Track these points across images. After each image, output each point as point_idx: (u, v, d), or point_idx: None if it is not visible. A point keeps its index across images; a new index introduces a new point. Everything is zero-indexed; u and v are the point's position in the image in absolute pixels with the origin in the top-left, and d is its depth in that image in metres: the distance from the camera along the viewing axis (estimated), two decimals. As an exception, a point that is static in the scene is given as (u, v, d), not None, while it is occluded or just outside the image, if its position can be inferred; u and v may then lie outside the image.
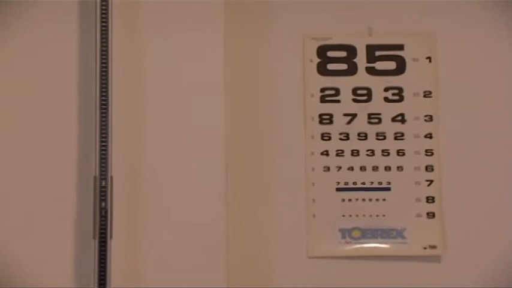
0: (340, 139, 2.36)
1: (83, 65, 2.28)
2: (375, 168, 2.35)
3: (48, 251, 2.21)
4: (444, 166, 2.36)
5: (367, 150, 2.36)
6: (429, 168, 2.34)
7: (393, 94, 2.37)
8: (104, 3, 2.25)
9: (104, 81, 2.21)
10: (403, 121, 2.35)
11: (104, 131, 2.17)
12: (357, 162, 2.36)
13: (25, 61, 2.32)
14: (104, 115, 2.17)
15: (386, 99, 2.37)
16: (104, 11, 2.24)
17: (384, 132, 2.36)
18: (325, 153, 2.36)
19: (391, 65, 2.38)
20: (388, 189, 2.36)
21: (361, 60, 2.39)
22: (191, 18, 2.32)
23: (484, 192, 2.39)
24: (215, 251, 2.24)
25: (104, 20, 2.24)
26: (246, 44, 2.42)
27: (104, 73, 2.21)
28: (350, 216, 2.36)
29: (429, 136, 2.35)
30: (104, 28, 2.24)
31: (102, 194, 2.14)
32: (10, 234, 2.21)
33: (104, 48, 2.25)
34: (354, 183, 2.36)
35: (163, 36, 2.34)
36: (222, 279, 2.21)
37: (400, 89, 2.37)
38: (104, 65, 2.23)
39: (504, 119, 2.43)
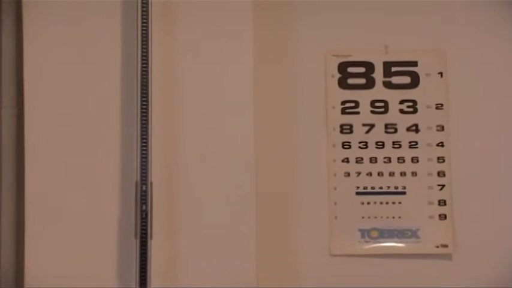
0: (360, 147, 2.45)
1: (124, 73, 2.35)
2: (391, 174, 2.44)
3: (93, 250, 2.28)
4: (455, 172, 2.45)
5: (384, 158, 2.45)
6: (441, 173, 2.43)
7: (408, 106, 2.46)
8: (144, 3, 2.32)
9: (144, 102, 2.27)
10: (416, 131, 2.44)
11: (144, 142, 2.26)
12: (374, 168, 2.45)
13: (70, 66, 2.40)
14: (144, 128, 2.26)
15: (401, 111, 2.45)
16: (144, 13, 2.31)
17: (400, 141, 2.44)
18: (346, 160, 2.45)
19: (406, 80, 2.47)
20: (404, 193, 2.45)
21: (378, 75, 2.47)
22: (222, 30, 2.39)
23: (492, 196, 2.48)
24: (245, 251, 2.32)
25: (144, 22, 2.30)
26: (274, 59, 2.50)
27: (144, 87, 2.27)
28: (369, 217, 2.46)
29: (441, 145, 2.45)
30: (144, 30, 2.30)
31: (143, 197, 2.23)
32: (59, 234, 2.29)
33: (144, 57, 2.30)
34: (372, 187, 2.45)
35: (197, 42, 2.40)
36: (252, 277, 2.30)
37: (414, 102, 2.46)
38: (144, 72, 2.30)
39: (509, 128, 2.52)
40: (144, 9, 2.29)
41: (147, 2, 2.29)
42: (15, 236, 2.52)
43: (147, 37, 2.30)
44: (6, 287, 2.55)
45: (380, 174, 2.45)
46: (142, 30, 2.30)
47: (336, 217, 2.45)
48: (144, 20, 2.31)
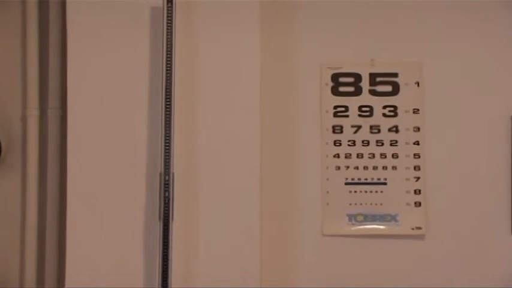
0: (348, 145, 2.67)
1: (152, 78, 2.52)
2: (375, 168, 2.66)
3: (124, 230, 2.49)
4: (428, 166, 2.67)
5: (369, 154, 2.66)
6: (417, 167, 2.65)
7: (389, 111, 2.67)
8: (169, 8, 2.45)
9: (168, 103, 2.43)
10: (397, 131, 2.66)
11: (167, 140, 2.44)
12: (361, 163, 2.66)
13: (106, 71, 2.55)
14: (167, 128, 2.43)
15: (384, 115, 2.67)
16: (169, 17, 2.45)
17: (382, 140, 2.66)
18: (337, 156, 2.66)
19: (388, 88, 2.69)
20: (385, 183, 2.66)
21: (365, 84, 2.69)
22: (229, 38, 2.56)
23: (460, 186, 2.70)
24: (251, 232, 2.52)
25: (169, 25, 2.45)
26: (277, 70, 2.69)
27: (168, 91, 2.44)
28: (355, 204, 2.67)
29: (417, 143, 2.66)
30: (168, 39, 2.45)
31: (166, 186, 2.41)
32: (97, 217, 2.50)
33: (168, 64, 2.44)
34: (359, 179, 2.67)
35: (211, 54, 2.56)
36: (256, 253, 2.51)
37: (395, 107, 2.67)
38: (168, 75, 2.45)
39: (474, 129, 2.72)
40: (169, 18, 2.45)
41: (172, 10, 2.42)
42: (58, 220, 2.70)
43: (171, 46, 2.44)
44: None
45: (365, 167, 2.66)
46: (167, 39, 2.44)
47: (327, 203, 2.66)
48: (169, 27, 2.44)
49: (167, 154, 2.42)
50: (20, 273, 2.72)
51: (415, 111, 2.67)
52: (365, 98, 2.70)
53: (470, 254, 2.72)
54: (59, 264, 2.70)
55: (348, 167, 2.67)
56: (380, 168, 2.66)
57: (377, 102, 2.70)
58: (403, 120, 2.69)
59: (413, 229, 2.66)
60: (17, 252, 2.75)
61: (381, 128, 2.68)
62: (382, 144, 2.68)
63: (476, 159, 2.72)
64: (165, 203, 2.41)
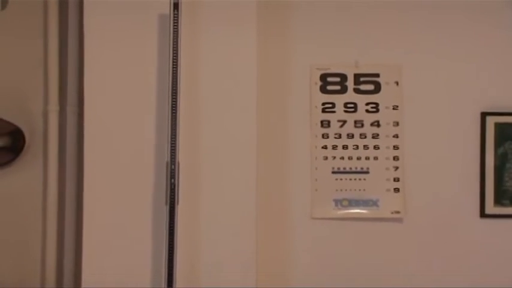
0: (335, 137, 2.77)
1: (159, 78, 2.58)
2: (359, 158, 2.77)
3: (133, 213, 2.58)
4: (406, 157, 2.79)
5: (353, 145, 2.77)
6: (396, 158, 2.77)
7: (372, 107, 2.78)
8: (175, 15, 2.51)
9: (174, 100, 2.50)
10: (378, 126, 2.77)
11: (173, 133, 2.51)
12: (346, 153, 2.77)
13: (119, 71, 2.61)
14: (173, 123, 2.50)
15: (367, 111, 2.78)
16: (175, 23, 2.51)
17: (365, 133, 2.76)
18: (325, 147, 2.77)
19: (371, 87, 2.78)
20: (367, 172, 2.77)
21: (350, 83, 2.78)
22: (229, 39, 2.63)
23: (434, 175, 2.81)
24: (247, 214, 2.61)
25: (175, 27, 2.50)
26: (272, 70, 2.77)
27: (174, 89, 2.50)
28: (341, 190, 2.77)
29: (396, 136, 2.78)
30: (174, 45, 2.50)
31: (172, 173, 2.49)
32: (108, 201, 2.59)
33: (174, 64, 2.49)
34: (344, 168, 2.77)
35: (213, 55, 2.62)
36: (252, 234, 2.62)
37: (377, 104, 2.77)
38: (174, 74, 2.49)
39: (448, 123, 2.83)
40: (175, 24, 2.51)
41: (178, 16, 2.50)
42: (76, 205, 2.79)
43: (176, 48, 2.51)
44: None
45: (350, 158, 2.77)
46: (173, 42, 2.50)
47: (316, 190, 2.78)
48: (175, 31, 2.50)
49: (173, 145, 2.50)
50: (41, 251, 2.82)
51: (395, 107, 2.78)
52: (350, 96, 2.79)
53: (444, 235, 2.83)
54: (76, 239, 2.78)
55: (334, 157, 2.78)
56: (363, 158, 2.77)
57: (360, 100, 2.79)
58: (384, 115, 2.78)
59: (392, 213, 2.77)
60: (40, 226, 2.84)
61: (364, 122, 2.78)
62: (365, 137, 2.78)
63: (449, 150, 2.83)
64: (171, 189, 2.49)
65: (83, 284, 2.57)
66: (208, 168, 2.63)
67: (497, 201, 2.82)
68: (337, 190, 2.80)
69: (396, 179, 2.79)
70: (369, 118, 2.81)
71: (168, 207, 2.49)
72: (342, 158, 2.79)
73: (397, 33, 2.83)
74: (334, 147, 2.79)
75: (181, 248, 2.50)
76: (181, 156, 2.52)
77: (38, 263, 2.82)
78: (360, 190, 2.80)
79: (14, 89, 2.83)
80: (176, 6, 2.50)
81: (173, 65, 2.51)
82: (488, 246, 2.82)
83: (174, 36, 2.50)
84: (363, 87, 2.81)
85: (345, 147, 2.79)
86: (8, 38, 2.83)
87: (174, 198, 2.49)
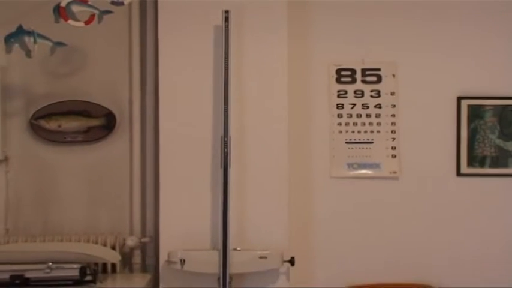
0: (347, 117, 3.20)
1: (215, 77, 2.90)
2: (365, 132, 3.19)
3: (197, 175, 2.95)
4: (401, 131, 3.20)
5: (361, 123, 3.20)
6: (393, 132, 3.20)
7: (375, 93, 3.20)
8: (226, 26, 2.83)
9: (225, 89, 2.85)
10: (380, 107, 3.19)
11: (226, 114, 2.85)
12: (356, 128, 3.20)
13: (187, 71, 2.94)
14: (226, 104, 2.82)
15: (371, 96, 3.19)
16: (226, 32, 2.84)
17: (370, 113, 3.19)
18: (339, 124, 3.21)
19: (374, 79, 3.20)
20: (372, 142, 3.20)
21: (358, 76, 3.19)
22: (264, 41, 2.93)
23: (422, 144, 3.21)
24: (281, 176, 2.95)
25: (226, 32, 2.81)
26: (298, 64, 3.13)
27: (226, 86, 2.86)
28: (352, 156, 3.20)
29: (393, 115, 3.21)
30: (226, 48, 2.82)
31: (225, 144, 2.84)
32: (179, 167, 2.89)
33: (226, 64, 2.80)
34: (354, 139, 3.19)
35: (250, 54, 2.92)
36: (285, 187, 2.96)
37: (379, 91, 3.20)
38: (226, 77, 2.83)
39: (433, 105, 3.19)
40: (226, 32, 2.83)
41: (227, 26, 2.81)
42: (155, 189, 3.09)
43: (227, 52, 2.85)
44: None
45: (359, 132, 3.19)
46: (225, 46, 2.82)
47: (333, 156, 3.20)
48: (226, 37, 2.81)
49: (225, 124, 2.86)
50: (129, 204, 3.14)
51: (392, 93, 3.21)
52: (358, 85, 3.19)
53: (429, 189, 3.24)
54: (155, 195, 3.09)
55: (347, 131, 3.20)
56: (368, 132, 3.19)
57: (366, 88, 3.19)
58: (384, 100, 3.19)
59: (391, 173, 3.19)
60: (128, 184, 3.16)
61: (369, 105, 3.19)
62: (370, 116, 3.20)
63: (433, 126, 3.23)
64: (225, 156, 2.84)
65: (161, 229, 2.92)
66: (251, 141, 2.96)
67: (470, 164, 3.20)
68: (349, 156, 3.21)
69: (393, 148, 3.21)
70: (372, 102, 3.22)
71: (222, 170, 2.85)
72: (353, 132, 3.21)
73: (393, 37, 3.24)
74: (347, 124, 3.22)
75: (233, 199, 2.85)
76: (232, 132, 2.86)
77: (127, 213, 3.17)
78: (366, 156, 3.19)
79: (108, 82, 3.18)
80: (227, 19, 2.87)
81: (225, 63, 2.87)
82: (463, 197, 3.24)
83: (225, 42, 2.85)
84: (368, 78, 3.21)
85: (354, 124, 3.22)
86: (102, 43, 3.17)
87: (227, 163, 2.85)
